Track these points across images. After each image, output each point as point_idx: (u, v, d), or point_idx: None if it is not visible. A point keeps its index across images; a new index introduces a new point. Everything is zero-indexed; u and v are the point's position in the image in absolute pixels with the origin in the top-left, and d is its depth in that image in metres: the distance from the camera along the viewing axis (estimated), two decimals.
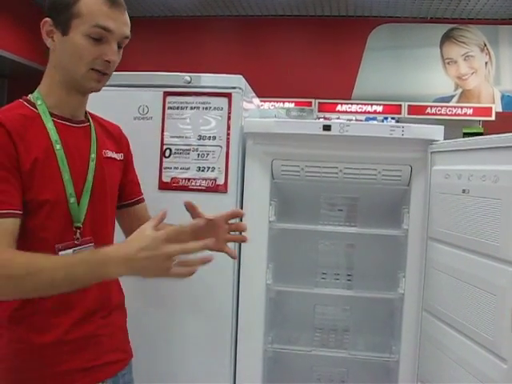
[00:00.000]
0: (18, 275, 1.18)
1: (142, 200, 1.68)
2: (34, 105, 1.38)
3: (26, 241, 1.29)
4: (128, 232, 1.59)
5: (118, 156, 1.57)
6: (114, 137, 1.59)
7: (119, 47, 1.40)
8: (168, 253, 1.18)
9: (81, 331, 1.39)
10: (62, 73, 1.38)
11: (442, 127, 2.18)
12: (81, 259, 1.22)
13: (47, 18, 1.36)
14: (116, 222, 1.61)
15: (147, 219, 1.51)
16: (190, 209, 1.43)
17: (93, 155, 1.44)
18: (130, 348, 1.61)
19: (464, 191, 1.85)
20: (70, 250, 1.36)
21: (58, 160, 1.35)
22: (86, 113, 1.50)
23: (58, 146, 1.36)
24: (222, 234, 1.45)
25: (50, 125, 1.37)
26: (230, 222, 1.48)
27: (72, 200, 1.36)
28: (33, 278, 1.18)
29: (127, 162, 1.62)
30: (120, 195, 1.59)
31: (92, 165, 1.43)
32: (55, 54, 1.38)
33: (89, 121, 1.49)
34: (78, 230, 1.38)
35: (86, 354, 1.40)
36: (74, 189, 1.37)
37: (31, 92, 1.42)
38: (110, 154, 1.52)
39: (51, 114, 1.38)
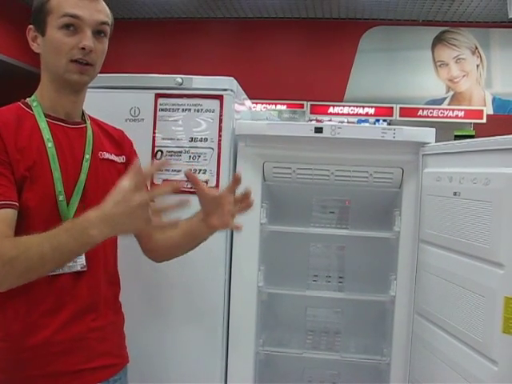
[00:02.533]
0: (10, 258, 1.17)
1: None
2: (30, 107, 1.41)
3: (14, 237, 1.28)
4: (142, 239, 1.58)
5: (119, 159, 1.55)
6: (116, 140, 1.58)
7: (100, 35, 1.41)
8: (139, 201, 1.19)
9: (69, 333, 1.38)
10: (49, 73, 1.42)
11: (434, 130, 2.18)
12: (62, 228, 1.21)
13: (30, 25, 1.41)
14: None
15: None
16: (192, 180, 1.41)
17: (87, 156, 1.44)
18: (127, 353, 1.59)
19: (455, 194, 1.85)
20: None
21: (49, 158, 1.36)
22: (83, 115, 1.50)
23: (49, 144, 1.37)
24: (228, 207, 1.44)
25: (43, 124, 1.39)
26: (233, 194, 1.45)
27: (61, 198, 1.36)
28: (23, 258, 1.18)
29: (130, 164, 1.59)
30: None
31: (86, 165, 1.43)
32: (42, 56, 1.42)
33: (85, 122, 1.49)
34: None
35: (74, 356, 1.39)
36: (65, 188, 1.37)
37: (20, 92, 1.43)
38: (107, 155, 1.51)
39: (46, 115, 1.40)
